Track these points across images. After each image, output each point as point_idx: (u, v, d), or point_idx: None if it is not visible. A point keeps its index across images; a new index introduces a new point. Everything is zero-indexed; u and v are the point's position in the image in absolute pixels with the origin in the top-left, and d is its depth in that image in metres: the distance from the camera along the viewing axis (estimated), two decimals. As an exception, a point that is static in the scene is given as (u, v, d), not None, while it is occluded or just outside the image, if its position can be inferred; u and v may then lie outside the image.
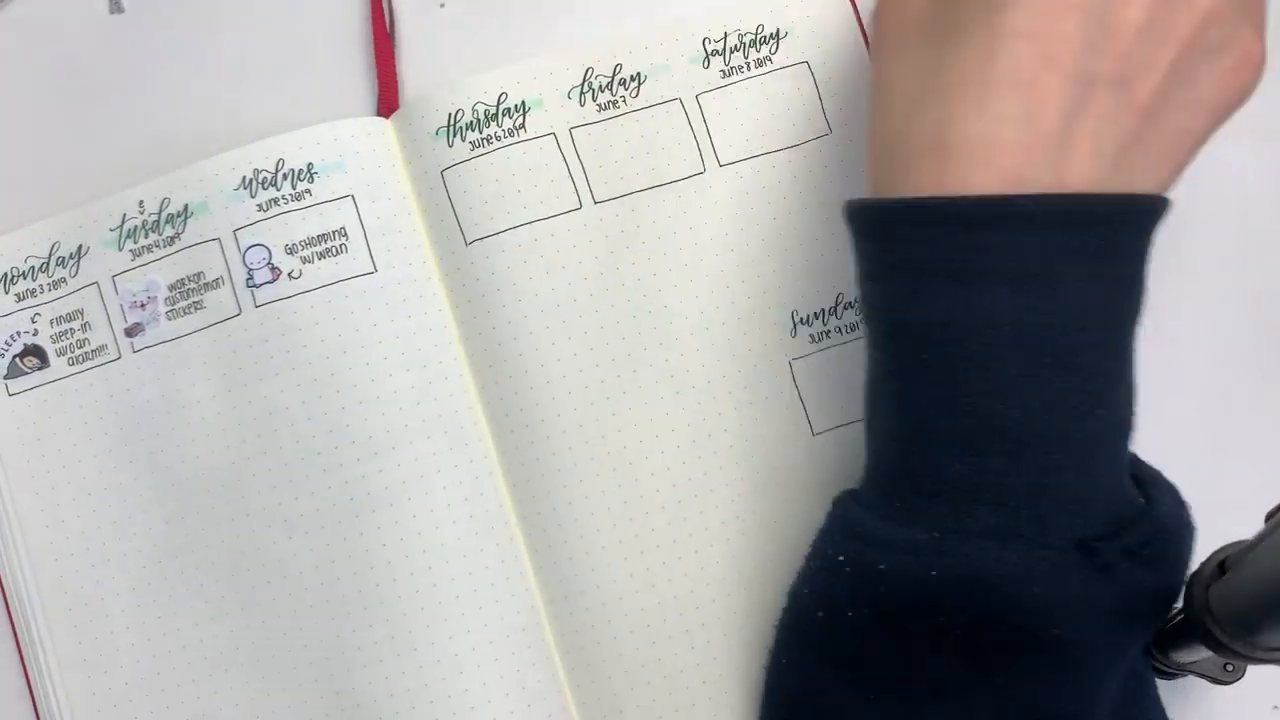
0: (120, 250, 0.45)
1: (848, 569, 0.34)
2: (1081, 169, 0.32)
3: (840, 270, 0.45)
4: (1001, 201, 0.31)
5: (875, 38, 0.36)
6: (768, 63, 0.46)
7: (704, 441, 0.43)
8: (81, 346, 0.44)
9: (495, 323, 0.44)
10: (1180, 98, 0.33)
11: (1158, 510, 0.33)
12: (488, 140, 0.45)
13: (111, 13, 0.49)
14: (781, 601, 0.38)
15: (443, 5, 0.49)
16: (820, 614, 0.35)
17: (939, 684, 0.34)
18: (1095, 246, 0.32)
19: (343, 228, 0.44)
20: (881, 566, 0.33)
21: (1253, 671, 0.38)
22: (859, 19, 0.47)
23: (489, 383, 0.44)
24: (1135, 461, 0.36)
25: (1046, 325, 0.31)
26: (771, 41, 0.46)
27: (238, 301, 0.44)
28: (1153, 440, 0.44)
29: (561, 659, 0.42)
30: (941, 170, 0.32)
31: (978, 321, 0.31)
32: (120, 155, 0.47)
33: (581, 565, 0.42)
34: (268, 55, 0.48)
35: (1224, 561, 0.34)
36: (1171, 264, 0.46)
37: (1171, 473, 0.43)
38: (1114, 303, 0.33)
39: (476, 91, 0.45)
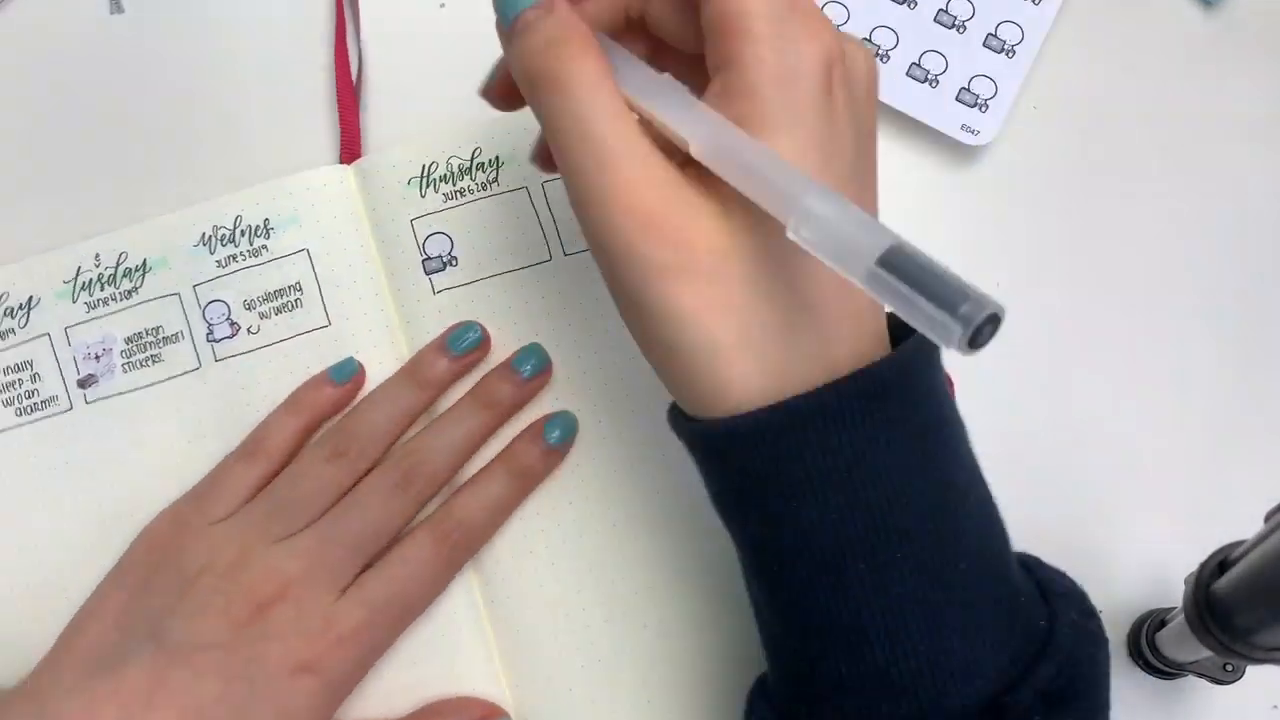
0: (74, 302, 0.44)
1: None
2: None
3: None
4: (808, 401, 0.29)
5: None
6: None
7: (635, 503, 0.42)
8: (30, 397, 0.44)
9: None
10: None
11: (1060, 636, 0.31)
12: (461, 193, 0.45)
13: (112, 13, 0.49)
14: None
15: (443, 5, 0.49)
16: None
17: None
18: (894, 412, 0.30)
19: (297, 282, 0.44)
20: None
21: (1253, 671, 0.38)
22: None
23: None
24: (1037, 565, 0.34)
25: (872, 516, 0.29)
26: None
27: (197, 356, 0.44)
28: (1153, 440, 0.44)
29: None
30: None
31: (807, 534, 0.30)
32: (87, 207, 0.47)
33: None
34: (237, 108, 0.48)
35: (1224, 561, 0.34)
36: (1172, 264, 0.46)
37: (1172, 473, 0.44)
38: (931, 455, 0.30)
39: (450, 146, 0.45)
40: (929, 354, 0.31)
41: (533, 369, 0.42)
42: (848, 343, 0.30)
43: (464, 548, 0.40)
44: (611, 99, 0.29)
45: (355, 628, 0.38)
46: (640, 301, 0.30)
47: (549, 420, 0.42)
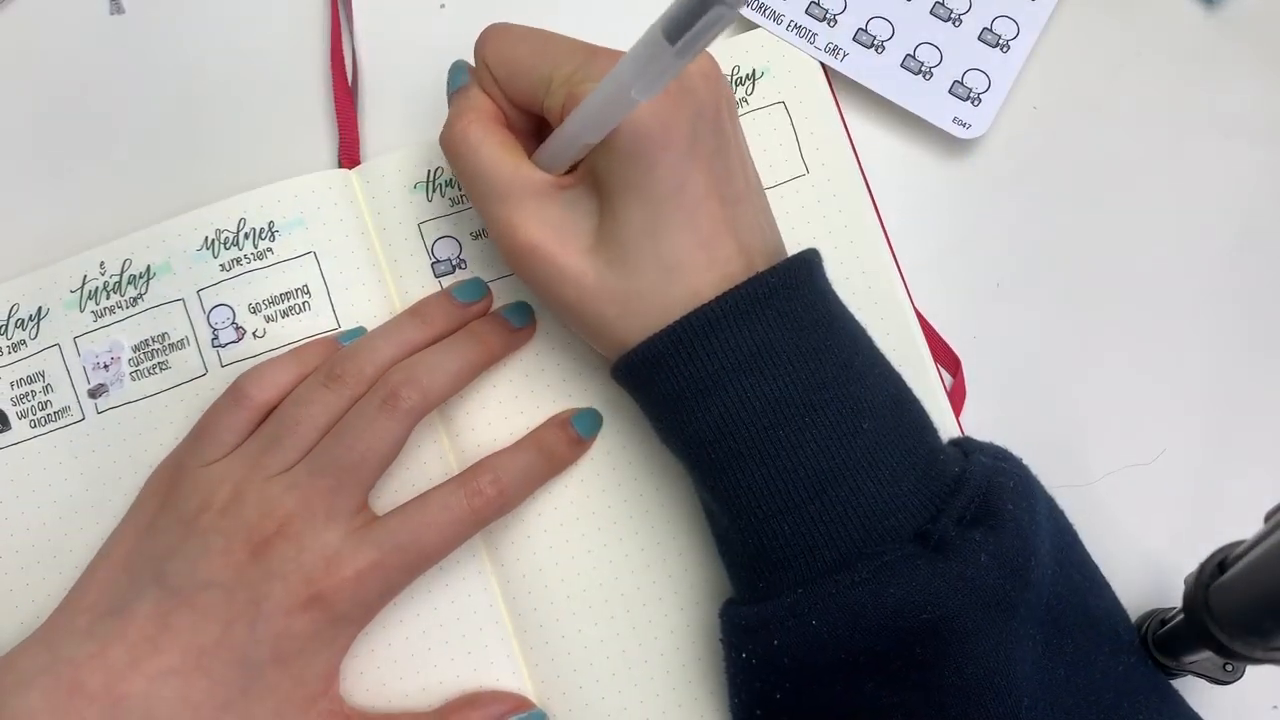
0: (81, 311, 0.44)
1: (754, 661, 0.36)
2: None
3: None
4: (705, 311, 0.35)
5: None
6: (745, 103, 0.45)
7: (651, 495, 0.43)
8: (44, 409, 0.44)
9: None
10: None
11: (971, 470, 0.36)
12: (467, 197, 0.45)
13: (112, 13, 0.49)
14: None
15: (443, 6, 0.49)
16: (759, 712, 0.37)
17: (874, 710, 0.35)
18: (783, 308, 0.36)
19: (305, 285, 0.44)
20: (775, 642, 0.35)
21: (1253, 671, 0.38)
22: (825, 68, 0.47)
23: (463, 430, 0.43)
24: (966, 440, 0.40)
25: (780, 390, 0.35)
26: (748, 82, 0.46)
27: (204, 361, 0.44)
28: (1153, 441, 0.45)
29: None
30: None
31: (728, 417, 0.36)
32: (89, 213, 0.47)
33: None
34: (236, 109, 0.48)
35: (1224, 561, 0.35)
36: (1172, 264, 0.47)
37: (1171, 473, 0.45)
38: (825, 343, 0.36)
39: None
40: (799, 266, 0.37)
41: (520, 323, 0.44)
42: (714, 276, 0.36)
43: (491, 505, 0.40)
44: (499, 151, 0.38)
45: (362, 568, 0.38)
46: (544, 302, 0.39)
47: (574, 415, 0.43)
